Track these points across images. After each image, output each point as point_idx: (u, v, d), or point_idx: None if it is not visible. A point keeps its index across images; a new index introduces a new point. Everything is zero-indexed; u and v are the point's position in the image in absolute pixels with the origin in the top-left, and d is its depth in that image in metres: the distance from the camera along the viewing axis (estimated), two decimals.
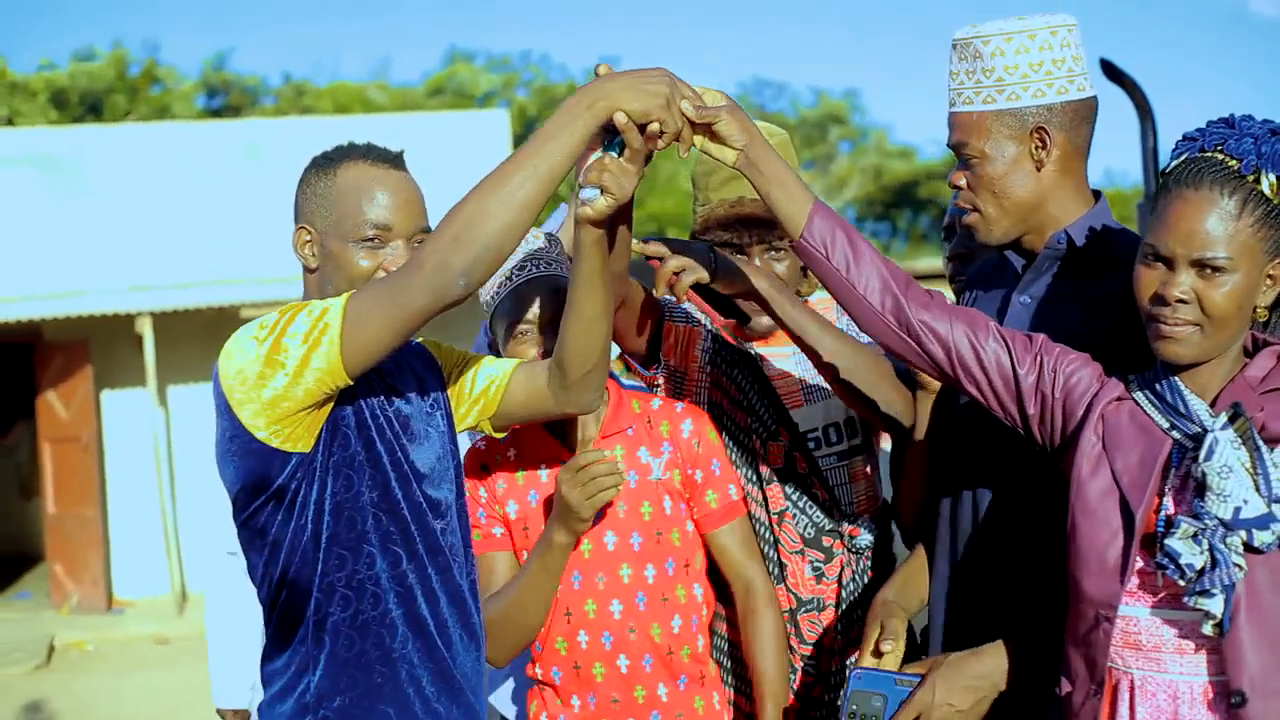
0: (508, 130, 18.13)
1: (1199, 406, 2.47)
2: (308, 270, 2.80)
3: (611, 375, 3.23)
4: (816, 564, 3.43)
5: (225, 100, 36.13)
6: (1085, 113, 2.85)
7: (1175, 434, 2.49)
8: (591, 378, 2.91)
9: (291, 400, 2.56)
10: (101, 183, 16.25)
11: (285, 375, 2.54)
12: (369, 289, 2.59)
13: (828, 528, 3.46)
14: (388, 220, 2.72)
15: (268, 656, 2.77)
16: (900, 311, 2.71)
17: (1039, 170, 2.84)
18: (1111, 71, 10.17)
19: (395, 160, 2.80)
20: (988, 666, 2.73)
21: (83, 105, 32.24)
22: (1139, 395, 2.57)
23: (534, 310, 3.15)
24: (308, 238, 2.77)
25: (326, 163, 2.79)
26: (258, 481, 2.64)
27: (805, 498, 3.45)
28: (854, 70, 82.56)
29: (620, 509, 3.17)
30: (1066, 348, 2.68)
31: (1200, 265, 2.43)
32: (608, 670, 3.18)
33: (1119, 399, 2.59)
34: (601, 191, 2.64)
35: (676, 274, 3.13)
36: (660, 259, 3.14)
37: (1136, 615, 2.51)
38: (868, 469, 3.56)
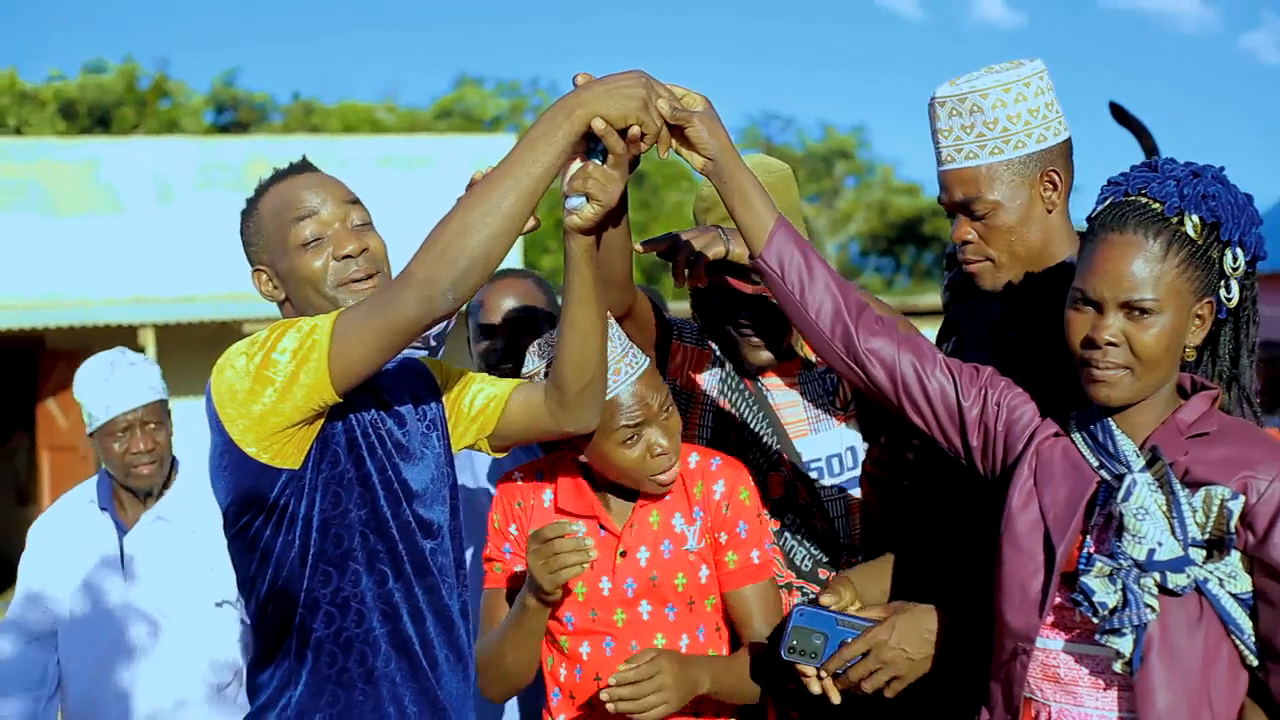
0: None
1: (1128, 447, 2.52)
2: (281, 305, 2.83)
3: None
4: (812, 597, 3.40)
5: (233, 116, 36.19)
6: (1070, 152, 2.92)
7: (1104, 473, 2.54)
8: (589, 393, 2.90)
9: (280, 416, 2.58)
10: (108, 194, 16.27)
11: (274, 391, 2.55)
12: (359, 306, 2.60)
13: (824, 560, 3.45)
14: (314, 210, 2.75)
15: (254, 669, 2.78)
16: (849, 339, 2.75)
17: (1050, 213, 2.89)
18: (1119, 114, 10.17)
19: (300, 166, 2.83)
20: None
21: (91, 117, 32.30)
22: (1075, 434, 2.62)
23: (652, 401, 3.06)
24: (265, 275, 2.81)
25: (248, 205, 2.84)
26: (247, 497, 2.66)
27: (804, 529, 3.44)
28: (861, 106, 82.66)
29: (653, 577, 3.08)
30: (1011, 382, 2.74)
31: (1128, 308, 2.48)
32: None
33: (1055, 435, 2.64)
34: (588, 199, 2.66)
35: (693, 259, 3.11)
36: (674, 248, 3.13)
37: (1055, 649, 2.57)
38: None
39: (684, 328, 3.50)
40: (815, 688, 2.78)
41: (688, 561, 3.08)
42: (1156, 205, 2.50)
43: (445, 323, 2.92)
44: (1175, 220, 2.49)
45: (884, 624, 2.77)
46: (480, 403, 2.98)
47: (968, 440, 2.74)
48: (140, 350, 15.12)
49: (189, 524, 4.38)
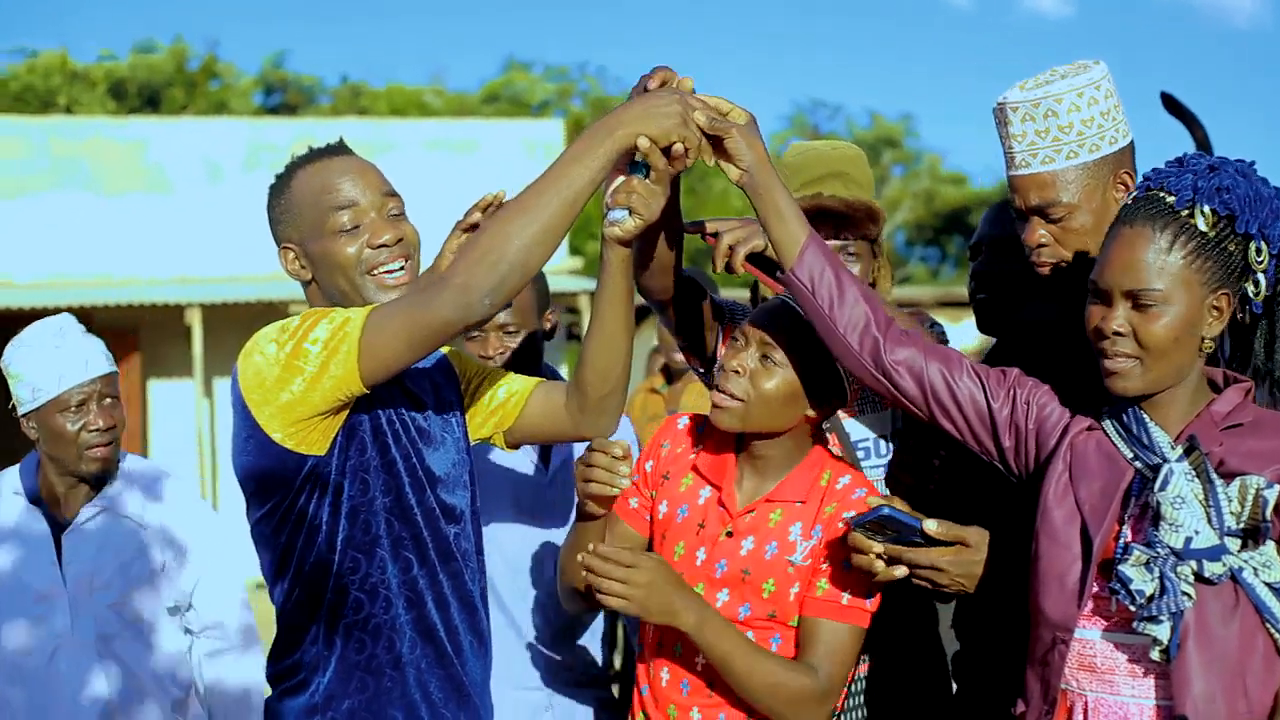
0: (562, 140, 18.19)
1: (1161, 438, 2.54)
2: (306, 285, 2.83)
3: (821, 443, 3.10)
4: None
5: (282, 98, 36.36)
6: (1134, 154, 2.94)
7: (1138, 464, 2.56)
8: (610, 400, 2.92)
9: (308, 406, 2.60)
10: (157, 174, 16.38)
11: (303, 380, 2.57)
12: (394, 302, 2.63)
13: None
14: (353, 199, 2.75)
15: (278, 654, 2.80)
16: (877, 354, 2.78)
17: None
18: (1171, 104, 10.06)
19: (337, 149, 2.83)
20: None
21: (141, 97, 32.51)
22: (1108, 425, 2.64)
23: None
24: (293, 254, 2.80)
25: (278, 182, 2.84)
26: (272, 482, 2.69)
27: None
28: (909, 95, 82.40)
29: (745, 571, 2.95)
30: (1039, 381, 2.77)
31: (1134, 298, 2.51)
32: (680, 716, 3.00)
33: (1089, 429, 2.67)
34: (630, 212, 2.69)
35: (732, 248, 3.13)
36: (715, 235, 3.15)
37: (1092, 638, 2.58)
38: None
39: (734, 309, 3.51)
40: (878, 566, 2.76)
41: (785, 572, 2.95)
42: (1170, 198, 2.53)
43: None
44: (1185, 213, 2.51)
45: (953, 551, 2.76)
46: (501, 397, 3.00)
47: (1000, 441, 2.76)
48: (187, 329, 15.22)
49: (137, 516, 3.84)
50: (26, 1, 59.26)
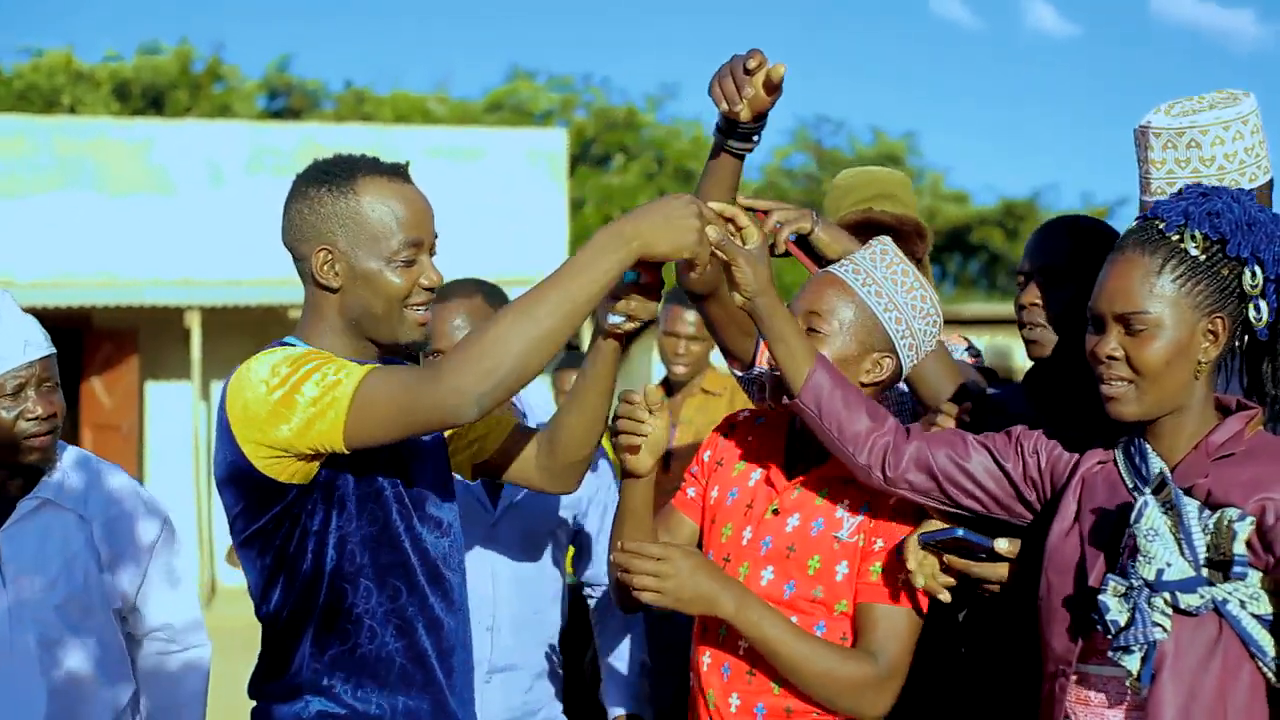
0: (565, 150, 18.19)
1: (1158, 469, 2.55)
2: (326, 290, 2.73)
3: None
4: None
5: (286, 102, 36.31)
6: (1272, 191, 2.93)
7: (1136, 495, 2.56)
8: (579, 467, 2.97)
9: (290, 450, 2.58)
10: (160, 175, 16.39)
11: (289, 429, 2.55)
12: (388, 379, 2.56)
13: None
14: (422, 236, 2.72)
15: (265, 674, 2.78)
16: (886, 469, 2.79)
17: None
18: None
19: (407, 173, 2.79)
20: None
21: (145, 98, 32.49)
22: (1118, 454, 2.65)
23: None
24: (328, 256, 2.70)
25: (336, 179, 2.71)
26: (256, 509, 2.67)
27: None
28: (913, 112, 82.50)
29: (790, 549, 2.94)
30: (1042, 432, 2.77)
31: (1124, 322, 2.53)
32: (719, 701, 2.98)
33: (1101, 462, 2.67)
34: (628, 318, 2.73)
35: (780, 225, 3.15)
36: (766, 212, 3.17)
37: (1086, 671, 2.59)
38: None
39: None
40: (918, 580, 2.80)
41: (831, 548, 2.92)
42: (1161, 224, 2.55)
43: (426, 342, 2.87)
44: (1175, 237, 2.52)
45: (1008, 569, 2.80)
46: (480, 429, 2.99)
47: (1025, 498, 2.77)
48: (186, 332, 15.22)
49: (79, 509, 3.55)
50: (32, 1, 59.31)
